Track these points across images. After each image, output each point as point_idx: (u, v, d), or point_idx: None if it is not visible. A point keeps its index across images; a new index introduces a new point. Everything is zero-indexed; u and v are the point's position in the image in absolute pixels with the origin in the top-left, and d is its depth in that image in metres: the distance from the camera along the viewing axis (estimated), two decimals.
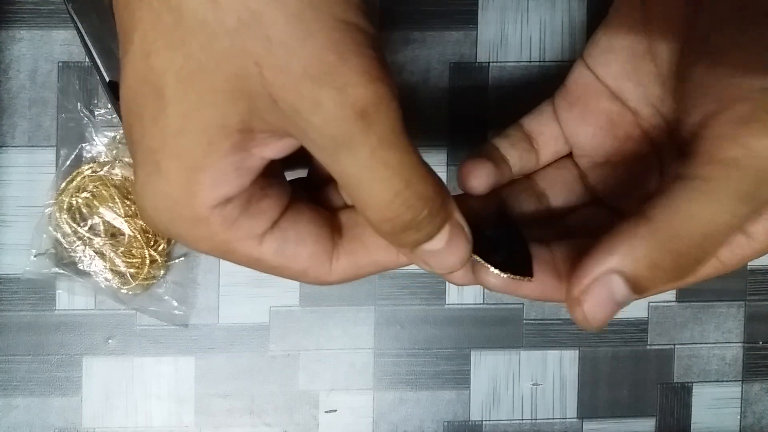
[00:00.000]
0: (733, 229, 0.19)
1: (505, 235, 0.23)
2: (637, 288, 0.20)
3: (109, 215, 0.34)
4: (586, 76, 0.26)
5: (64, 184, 0.34)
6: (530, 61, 0.36)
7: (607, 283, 0.20)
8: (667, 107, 0.24)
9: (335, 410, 0.36)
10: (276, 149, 0.19)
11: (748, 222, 0.21)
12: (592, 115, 0.27)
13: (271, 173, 0.20)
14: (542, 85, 0.36)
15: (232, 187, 0.18)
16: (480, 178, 0.25)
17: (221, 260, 0.35)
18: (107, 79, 0.33)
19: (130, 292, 0.35)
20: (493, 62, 0.36)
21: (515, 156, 0.26)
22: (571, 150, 0.28)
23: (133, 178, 0.20)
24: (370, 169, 0.18)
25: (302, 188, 0.23)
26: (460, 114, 0.36)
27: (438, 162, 0.36)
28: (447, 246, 0.20)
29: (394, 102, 0.18)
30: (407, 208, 0.18)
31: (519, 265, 0.22)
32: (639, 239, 0.19)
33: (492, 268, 0.22)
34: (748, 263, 0.37)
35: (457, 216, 0.21)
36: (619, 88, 0.26)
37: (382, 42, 0.17)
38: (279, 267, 0.20)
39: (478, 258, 0.22)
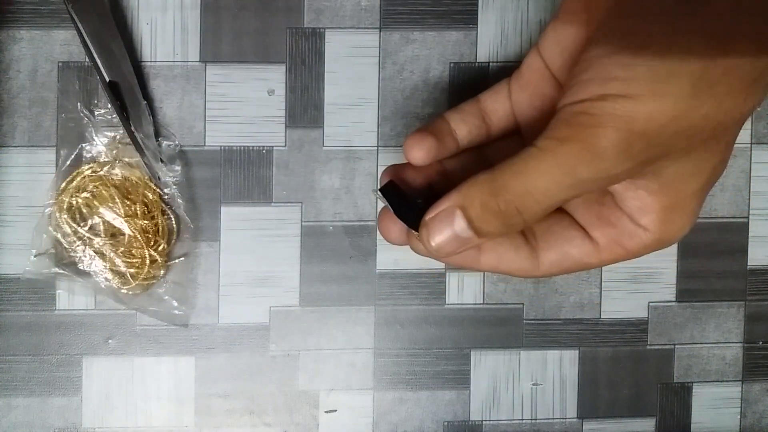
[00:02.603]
0: (553, 197, 0.23)
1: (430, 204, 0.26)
2: (472, 224, 0.24)
3: (109, 215, 0.34)
4: (537, 63, 0.28)
5: (64, 184, 0.34)
6: None
7: (450, 214, 0.25)
8: None
9: (335, 410, 0.36)
10: None
11: (640, 215, 0.25)
12: (539, 99, 0.29)
13: None
14: None
15: None
16: (420, 152, 0.28)
17: (221, 260, 0.35)
18: (107, 79, 0.33)
19: (130, 292, 0.35)
20: (493, 62, 0.36)
21: (464, 130, 0.29)
22: (520, 127, 0.30)
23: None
24: None
25: None
26: None
27: None
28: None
29: None
30: None
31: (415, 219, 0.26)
32: (477, 183, 0.24)
33: (415, 234, 0.26)
34: (748, 263, 0.37)
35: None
36: (562, 79, 0.28)
37: None
38: None
39: (406, 225, 0.27)
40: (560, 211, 0.28)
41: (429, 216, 0.25)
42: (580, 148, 0.22)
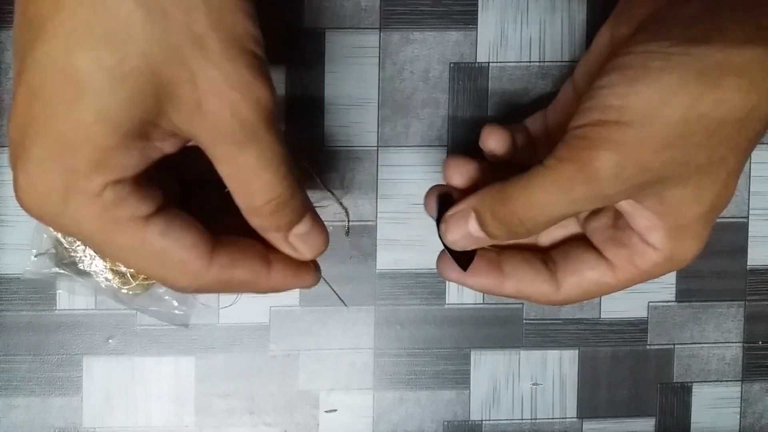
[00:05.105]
0: (551, 211, 0.25)
1: None
2: (483, 227, 0.27)
3: None
4: (570, 91, 0.31)
5: None
6: (530, 62, 0.36)
7: (465, 215, 0.27)
8: None
9: (335, 410, 0.36)
10: (172, 145, 0.23)
11: (649, 234, 0.26)
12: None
13: (160, 172, 0.24)
14: (542, 85, 0.36)
15: (130, 169, 0.22)
16: (499, 141, 0.30)
17: None
18: None
19: (131, 292, 0.35)
20: (492, 62, 0.36)
21: (520, 141, 0.31)
22: None
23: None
24: (267, 158, 0.22)
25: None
26: (459, 114, 0.36)
27: (437, 162, 0.36)
28: (312, 229, 0.26)
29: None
30: (286, 188, 0.23)
31: (464, 260, 0.29)
32: (491, 192, 0.27)
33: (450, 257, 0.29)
34: (748, 263, 0.37)
35: (315, 210, 0.26)
36: None
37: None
38: (160, 252, 0.23)
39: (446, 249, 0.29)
40: (577, 236, 0.30)
41: (448, 213, 0.28)
42: (576, 169, 0.24)
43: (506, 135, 0.30)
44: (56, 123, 0.20)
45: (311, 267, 0.27)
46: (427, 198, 0.31)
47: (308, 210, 0.25)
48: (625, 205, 0.27)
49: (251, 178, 0.23)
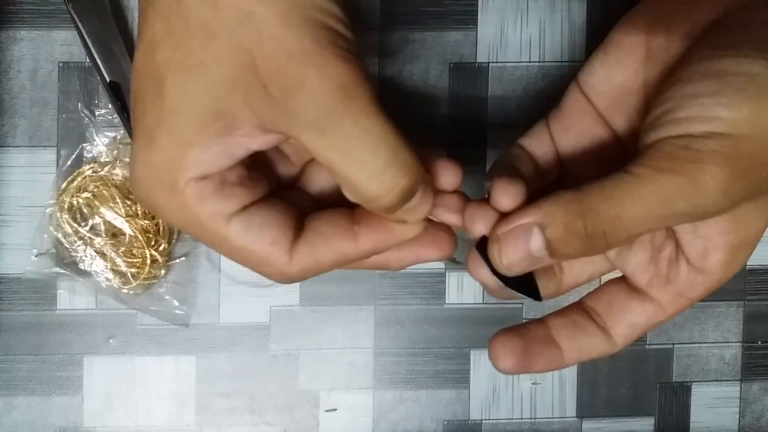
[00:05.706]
0: (642, 225, 0.22)
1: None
2: (551, 247, 0.23)
3: (109, 215, 0.34)
4: (581, 102, 0.28)
5: (64, 184, 0.34)
6: (530, 62, 0.36)
7: (526, 231, 0.23)
8: None
9: (335, 409, 0.36)
10: (258, 142, 0.22)
11: (704, 257, 0.24)
12: (588, 140, 0.28)
13: (252, 169, 0.23)
14: (542, 85, 0.36)
15: (212, 166, 0.21)
16: (516, 196, 0.24)
17: (222, 260, 0.36)
18: (108, 80, 0.33)
19: (131, 292, 0.35)
20: (492, 63, 0.36)
21: (528, 177, 0.27)
22: (567, 169, 0.29)
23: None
24: (356, 137, 0.20)
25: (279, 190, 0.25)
26: (459, 114, 0.36)
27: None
28: (421, 200, 0.23)
29: (368, 82, 0.20)
30: (401, 178, 0.21)
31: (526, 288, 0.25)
32: (563, 202, 0.22)
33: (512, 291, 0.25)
34: (747, 263, 0.37)
35: (425, 174, 0.23)
36: (610, 118, 0.27)
37: (359, 47, 0.21)
38: (243, 249, 0.23)
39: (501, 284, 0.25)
40: (614, 283, 0.28)
41: (502, 230, 0.23)
42: (681, 181, 0.21)
43: (520, 187, 0.24)
44: (146, 119, 0.21)
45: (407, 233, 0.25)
46: (471, 261, 0.26)
47: (420, 183, 0.22)
48: (688, 227, 0.25)
49: (341, 172, 0.20)
